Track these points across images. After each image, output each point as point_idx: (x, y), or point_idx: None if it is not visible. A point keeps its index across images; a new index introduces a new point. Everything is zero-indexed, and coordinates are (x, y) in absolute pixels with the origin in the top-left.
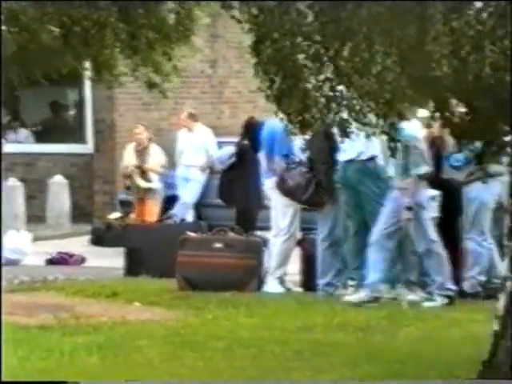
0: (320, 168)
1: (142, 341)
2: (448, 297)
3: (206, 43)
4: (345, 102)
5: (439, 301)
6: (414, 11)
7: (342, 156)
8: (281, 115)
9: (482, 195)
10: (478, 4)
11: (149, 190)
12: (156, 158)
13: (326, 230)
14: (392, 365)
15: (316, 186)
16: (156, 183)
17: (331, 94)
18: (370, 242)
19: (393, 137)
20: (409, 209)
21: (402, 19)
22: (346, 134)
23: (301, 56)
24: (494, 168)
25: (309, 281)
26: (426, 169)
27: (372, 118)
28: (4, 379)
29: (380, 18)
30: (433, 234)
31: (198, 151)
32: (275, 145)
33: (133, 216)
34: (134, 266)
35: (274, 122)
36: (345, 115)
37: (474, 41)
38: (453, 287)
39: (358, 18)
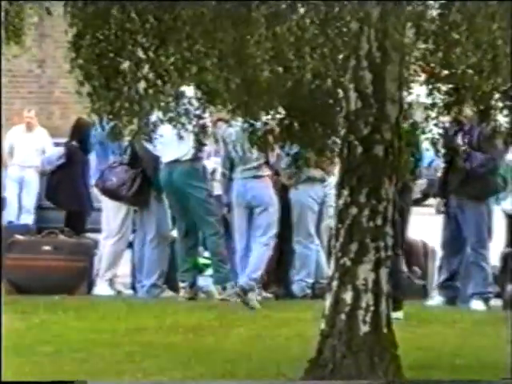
0: (149, 165)
1: None
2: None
3: (33, 43)
4: (161, 104)
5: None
6: (237, 14)
7: (165, 157)
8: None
9: (303, 198)
10: (301, 10)
11: None
12: None
13: (152, 229)
14: (222, 365)
15: (141, 183)
16: None
17: (144, 93)
18: None
19: (200, 140)
20: (227, 205)
21: (225, 21)
22: (150, 138)
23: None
24: (312, 171)
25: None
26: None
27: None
28: (4, 379)
29: (203, 18)
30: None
31: (36, 152)
32: (108, 145)
33: None
34: None
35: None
36: (154, 117)
37: (296, 47)
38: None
39: (181, 18)
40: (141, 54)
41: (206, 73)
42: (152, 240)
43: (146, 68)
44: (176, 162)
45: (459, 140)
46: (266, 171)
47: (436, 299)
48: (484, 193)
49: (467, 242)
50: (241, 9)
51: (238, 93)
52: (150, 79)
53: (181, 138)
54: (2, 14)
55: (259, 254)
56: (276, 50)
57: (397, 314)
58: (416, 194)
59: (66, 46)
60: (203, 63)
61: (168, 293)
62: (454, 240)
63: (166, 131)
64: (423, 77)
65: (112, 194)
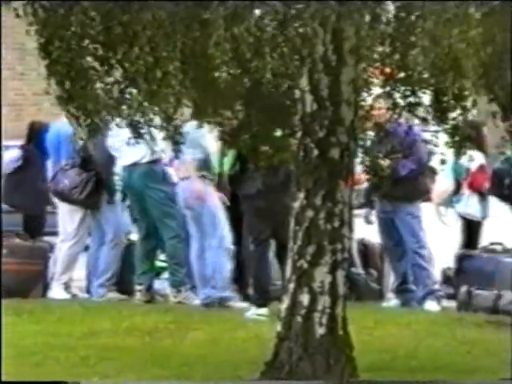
0: (103, 167)
1: None
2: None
3: None
4: (135, 105)
5: None
6: (196, 17)
7: (124, 160)
8: (69, 118)
9: None
10: (258, 11)
11: None
12: None
13: (108, 232)
14: (179, 368)
15: (94, 186)
16: None
17: (120, 96)
18: None
19: (176, 140)
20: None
21: (185, 24)
22: (140, 135)
23: (90, 59)
24: None
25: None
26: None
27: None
28: (4, 379)
29: (163, 22)
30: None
31: None
32: (62, 148)
33: None
34: None
35: (59, 125)
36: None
37: (255, 47)
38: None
39: (141, 22)
40: (110, 55)
41: (171, 76)
42: (109, 242)
43: (116, 72)
44: (135, 164)
45: (384, 146)
46: (192, 171)
47: (392, 301)
48: (415, 194)
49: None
50: (198, 10)
51: (200, 94)
52: (122, 82)
53: (153, 139)
54: (2, 14)
55: (213, 262)
56: (235, 50)
57: (261, 311)
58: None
59: (20, 48)
60: (167, 67)
61: (117, 295)
62: (396, 245)
63: (124, 134)
64: (381, 79)
65: (64, 196)
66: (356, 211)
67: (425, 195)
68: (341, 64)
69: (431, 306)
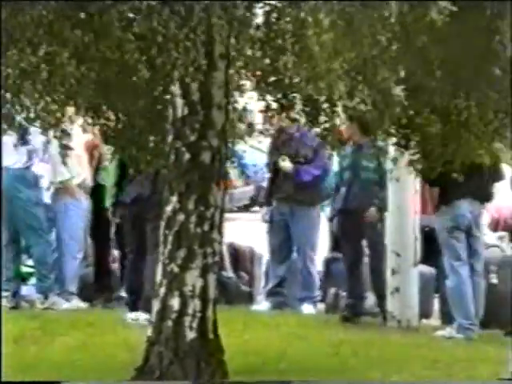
0: None
1: None
2: None
3: None
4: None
5: None
6: (91, 18)
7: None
8: None
9: None
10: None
11: None
12: None
13: None
14: (46, 374)
15: None
16: None
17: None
18: None
19: (66, 145)
20: None
21: (72, 23)
22: (25, 141)
23: None
24: None
25: None
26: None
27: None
28: (4, 379)
29: (44, 21)
30: None
31: None
32: None
33: None
34: None
35: None
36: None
37: (161, 44)
38: None
39: (19, 22)
40: None
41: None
42: None
43: None
44: (6, 168)
45: (288, 150)
46: None
47: (263, 304)
48: (316, 199)
49: (295, 247)
50: (96, 13)
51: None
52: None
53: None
54: (3, 13)
55: None
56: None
57: (131, 315)
58: (244, 200)
59: None
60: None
61: None
62: (282, 247)
63: (6, 138)
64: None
65: None
66: (227, 215)
67: (326, 199)
68: (212, 68)
69: (308, 309)
